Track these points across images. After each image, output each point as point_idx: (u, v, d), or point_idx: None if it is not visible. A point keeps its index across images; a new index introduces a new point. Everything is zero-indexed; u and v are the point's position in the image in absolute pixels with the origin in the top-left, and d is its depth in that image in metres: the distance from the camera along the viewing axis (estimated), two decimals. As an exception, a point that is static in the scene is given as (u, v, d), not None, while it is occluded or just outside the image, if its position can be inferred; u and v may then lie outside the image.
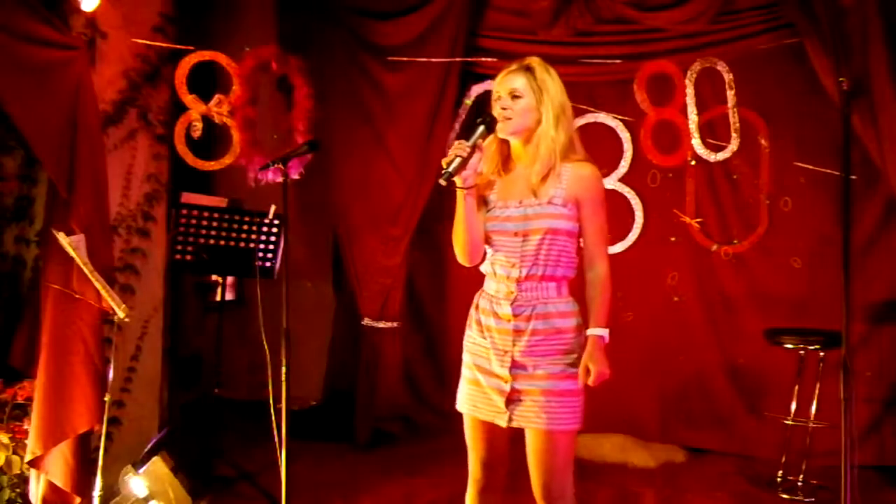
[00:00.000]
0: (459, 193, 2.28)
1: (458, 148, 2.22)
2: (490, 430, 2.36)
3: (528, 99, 2.31)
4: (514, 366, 2.29)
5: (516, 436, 2.37)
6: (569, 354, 2.29)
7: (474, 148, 2.24)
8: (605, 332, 2.28)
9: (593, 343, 2.27)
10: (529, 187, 2.32)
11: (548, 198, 2.30)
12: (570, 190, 2.30)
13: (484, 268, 2.42)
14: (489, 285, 2.40)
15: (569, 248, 2.33)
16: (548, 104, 2.31)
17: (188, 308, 5.04)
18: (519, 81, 2.32)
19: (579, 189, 2.31)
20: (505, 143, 2.40)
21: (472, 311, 2.42)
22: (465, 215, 2.30)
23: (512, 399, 2.29)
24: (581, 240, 2.36)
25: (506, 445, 2.40)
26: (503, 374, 2.30)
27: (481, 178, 2.36)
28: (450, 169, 2.20)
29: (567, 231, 2.31)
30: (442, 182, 2.22)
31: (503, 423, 2.31)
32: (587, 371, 2.24)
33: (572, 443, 2.33)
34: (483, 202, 2.38)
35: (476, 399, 2.37)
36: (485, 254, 2.40)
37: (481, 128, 2.27)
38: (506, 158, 2.41)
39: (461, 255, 2.37)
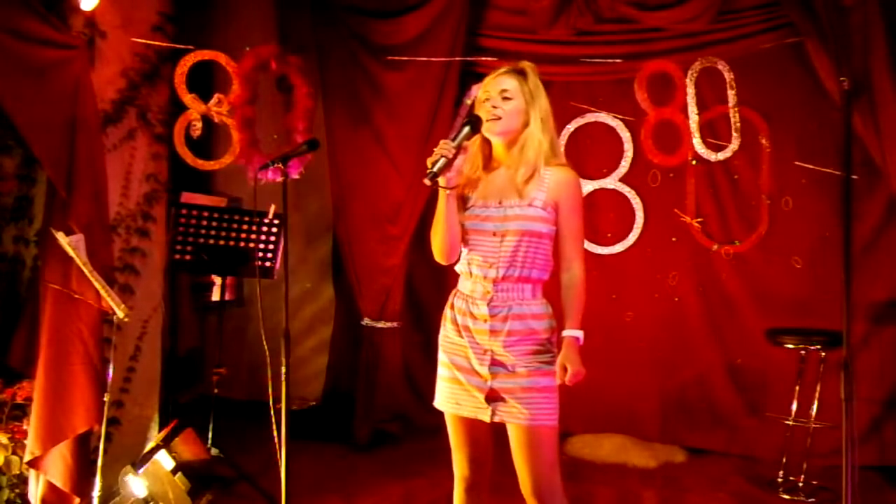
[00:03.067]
0: (441, 193, 2.32)
1: (444, 148, 2.26)
2: (474, 426, 2.37)
3: (518, 101, 2.35)
4: (494, 364, 2.31)
5: (500, 434, 2.38)
6: (545, 353, 2.32)
7: (459, 149, 2.28)
8: (580, 334, 2.32)
9: (569, 344, 2.30)
10: (513, 188, 2.35)
11: (529, 200, 2.33)
12: (550, 193, 2.34)
13: (459, 267, 2.44)
14: (464, 285, 2.41)
15: (545, 250, 2.36)
16: (537, 108, 2.36)
17: (185, 308, 5.03)
18: (511, 83, 2.37)
19: (559, 193, 2.35)
20: (487, 144, 2.43)
21: (448, 310, 2.44)
22: (446, 215, 2.33)
23: (493, 397, 2.31)
24: (557, 243, 2.40)
25: (490, 441, 2.42)
26: (483, 372, 2.32)
27: (462, 178, 2.40)
28: (434, 169, 2.24)
29: (545, 234, 2.34)
30: (427, 182, 2.26)
31: (486, 419, 2.32)
32: (564, 370, 2.27)
33: (555, 439, 2.36)
34: (462, 201, 2.41)
35: (458, 396, 2.37)
36: (460, 253, 2.43)
37: (466, 129, 2.31)
38: (486, 159, 2.44)
39: (438, 254, 2.41)
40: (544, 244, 2.35)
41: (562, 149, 2.49)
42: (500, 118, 2.33)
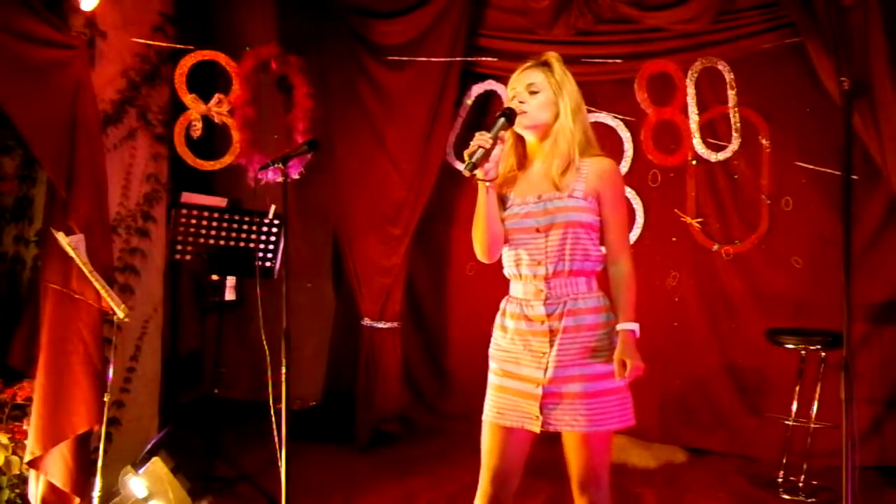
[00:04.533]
0: (481, 186, 2.26)
1: (481, 139, 2.19)
2: (509, 438, 2.29)
3: (546, 93, 2.31)
4: (549, 367, 2.23)
5: (541, 440, 2.32)
6: (598, 353, 2.24)
7: (496, 140, 2.22)
8: (635, 327, 2.25)
9: (625, 338, 2.23)
10: (550, 181, 2.29)
11: (568, 191, 2.27)
12: (590, 183, 2.29)
13: (507, 271, 2.37)
14: (515, 288, 2.34)
15: (593, 241, 2.30)
16: (566, 98, 2.31)
17: (185, 308, 5.03)
18: (537, 76, 2.31)
19: (599, 183, 2.30)
20: (520, 141, 2.38)
21: (499, 316, 2.37)
22: (486, 208, 2.27)
23: (546, 403, 2.23)
24: (602, 235, 2.34)
25: (523, 457, 2.34)
26: (536, 376, 2.24)
27: (499, 176, 2.33)
28: (473, 160, 2.18)
29: (589, 224, 2.28)
30: (466, 172, 2.19)
31: (535, 429, 2.24)
32: (623, 365, 2.20)
33: (611, 440, 2.30)
34: (501, 201, 2.35)
35: (502, 405, 2.30)
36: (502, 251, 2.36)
37: (502, 120, 2.25)
38: (521, 157, 2.39)
39: (480, 250, 2.33)
40: (591, 235, 2.29)
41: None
42: (526, 112, 2.29)
